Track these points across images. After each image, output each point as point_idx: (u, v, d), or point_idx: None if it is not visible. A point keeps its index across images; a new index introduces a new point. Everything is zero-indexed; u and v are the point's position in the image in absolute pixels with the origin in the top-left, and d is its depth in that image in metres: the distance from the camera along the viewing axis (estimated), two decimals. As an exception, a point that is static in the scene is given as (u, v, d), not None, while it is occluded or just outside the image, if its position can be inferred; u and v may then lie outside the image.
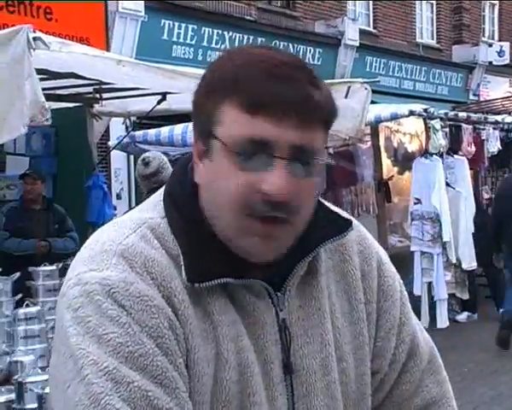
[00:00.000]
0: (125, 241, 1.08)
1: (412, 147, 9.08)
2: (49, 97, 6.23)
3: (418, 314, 8.02)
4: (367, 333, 1.22)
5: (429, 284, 8.10)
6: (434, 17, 18.23)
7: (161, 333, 1.03)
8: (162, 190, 1.17)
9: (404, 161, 8.93)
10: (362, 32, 15.23)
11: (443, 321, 7.95)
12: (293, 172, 1.06)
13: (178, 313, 1.05)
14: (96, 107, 7.07)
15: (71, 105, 7.08)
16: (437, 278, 7.98)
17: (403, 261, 8.56)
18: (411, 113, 8.03)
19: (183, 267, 1.07)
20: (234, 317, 1.10)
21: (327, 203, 1.26)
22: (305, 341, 1.15)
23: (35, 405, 4.68)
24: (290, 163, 1.05)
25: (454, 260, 8.02)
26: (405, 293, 1.31)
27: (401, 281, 1.32)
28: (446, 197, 7.94)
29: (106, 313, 1.03)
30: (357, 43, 14.99)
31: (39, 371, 5.06)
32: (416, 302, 8.06)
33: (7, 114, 3.92)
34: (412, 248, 8.11)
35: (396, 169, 9.12)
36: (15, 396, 4.93)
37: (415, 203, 8.11)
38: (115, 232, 1.11)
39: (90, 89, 6.51)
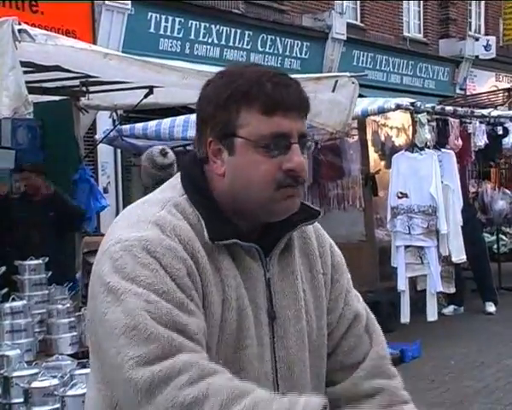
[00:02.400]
0: (157, 214, 1.42)
1: (399, 141, 9.09)
2: (35, 90, 6.21)
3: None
4: (324, 296, 1.60)
5: (410, 278, 8.10)
6: (421, 11, 18.26)
7: (181, 276, 1.36)
8: (177, 176, 1.53)
9: (391, 154, 8.93)
10: (349, 26, 15.23)
11: (433, 314, 7.97)
12: (301, 151, 1.46)
13: (200, 266, 1.40)
14: (83, 100, 7.03)
15: (57, 98, 7.04)
16: (433, 271, 7.98)
17: (389, 255, 8.60)
18: (398, 106, 8.03)
19: (205, 230, 1.42)
20: (235, 272, 1.45)
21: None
22: (283, 296, 1.52)
23: (21, 399, 4.66)
24: (300, 145, 1.46)
25: (447, 253, 8.03)
26: (347, 270, 1.71)
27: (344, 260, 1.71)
28: (441, 190, 7.95)
29: (140, 261, 1.35)
30: (345, 37, 14.99)
31: (25, 365, 5.03)
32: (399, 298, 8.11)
33: None
34: (397, 243, 8.08)
35: (383, 163, 9.13)
36: (1, 391, 4.91)
37: (399, 197, 8.09)
38: (147, 209, 1.45)
39: (77, 82, 6.48)
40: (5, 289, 6.01)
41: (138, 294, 1.32)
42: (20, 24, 3.75)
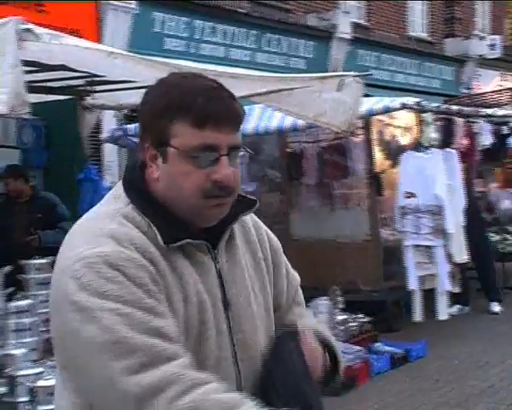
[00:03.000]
0: (110, 227, 1.48)
1: (404, 140, 9.07)
2: (40, 90, 6.23)
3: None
4: (267, 280, 1.73)
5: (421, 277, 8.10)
6: (427, 10, 18.23)
7: (146, 283, 1.43)
8: (119, 185, 1.60)
9: (397, 154, 8.92)
10: (354, 25, 15.22)
11: (444, 313, 7.97)
12: (231, 162, 1.54)
13: (159, 270, 1.47)
14: (88, 99, 7.04)
15: (62, 98, 7.05)
16: (441, 270, 7.98)
17: (394, 254, 8.58)
18: (404, 106, 8.01)
19: (158, 235, 1.49)
20: (190, 269, 1.54)
21: None
22: (234, 284, 1.62)
23: (26, 398, 4.68)
24: (228, 158, 1.53)
25: (454, 253, 8.02)
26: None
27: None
28: (446, 189, 7.94)
29: (104, 276, 1.39)
30: (350, 36, 14.98)
31: (30, 364, 5.05)
32: (410, 296, 8.09)
33: None
34: (406, 243, 8.08)
35: (388, 163, 9.11)
36: (7, 390, 4.93)
37: (407, 197, 8.09)
38: (99, 222, 1.51)
39: (82, 81, 6.49)
40: (10, 289, 6.02)
41: (110, 309, 1.37)
42: (25, 23, 3.76)
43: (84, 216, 1.59)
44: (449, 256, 8.06)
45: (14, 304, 5.73)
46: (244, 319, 1.62)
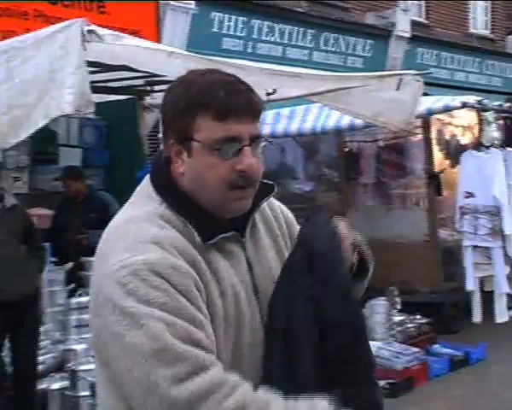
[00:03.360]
0: (151, 231, 1.51)
1: (465, 140, 8.93)
2: (101, 90, 6.35)
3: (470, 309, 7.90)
4: (285, 255, 1.75)
5: (479, 278, 7.96)
6: (489, 7, 17.87)
7: (190, 290, 1.46)
8: (147, 183, 1.65)
9: (457, 153, 8.78)
10: (413, 23, 15.02)
11: (502, 315, 7.81)
12: (253, 152, 1.58)
13: (200, 271, 1.51)
14: (147, 99, 7.15)
15: (123, 97, 7.17)
16: (498, 272, 7.83)
17: (453, 255, 8.45)
18: (464, 105, 7.88)
19: (195, 234, 1.54)
20: (224, 263, 1.58)
21: None
22: (260, 268, 1.67)
23: (87, 392, 4.78)
24: (251, 147, 1.57)
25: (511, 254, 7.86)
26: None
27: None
28: (506, 190, 7.78)
29: (150, 283, 1.43)
30: (409, 35, 14.79)
31: (91, 359, 5.15)
32: (469, 297, 7.95)
33: (32, 110, 4.00)
34: (465, 243, 7.96)
35: (448, 162, 8.97)
36: (69, 384, 5.04)
37: (466, 197, 7.96)
38: (139, 226, 1.53)
39: (142, 81, 6.58)
40: (72, 285, 6.16)
41: (156, 317, 1.40)
42: (89, 25, 3.84)
43: (119, 217, 1.62)
44: (507, 258, 7.89)
45: (75, 300, 5.86)
46: (270, 300, 1.67)
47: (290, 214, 1.89)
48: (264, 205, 1.77)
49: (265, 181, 1.73)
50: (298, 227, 1.85)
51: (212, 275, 1.54)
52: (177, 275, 1.46)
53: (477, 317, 7.82)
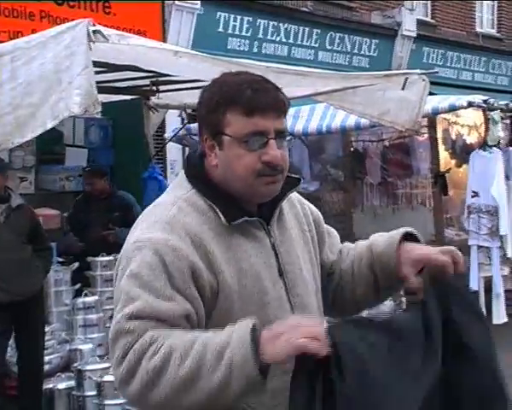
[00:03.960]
0: (169, 213, 1.72)
1: (471, 139, 8.90)
2: (106, 90, 6.35)
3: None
4: (312, 249, 1.96)
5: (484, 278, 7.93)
6: (495, 6, 17.82)
7: (177, 272, 1.63)
8: (182, 174, 1.84)
9: (463, 153, 8.75)
10: (419, 23, 14.99)
11: (500, 316, 7.77)
12: (278, 145, 1.75)
13: (206, 252, 1.68)
14: (153, 99, 7.15)
15: (128, 97, 7.17)
16: (494, 272, 7.80)
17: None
18: (470, 104, 7.85)
19: (221, 216, 1.72)
20: (246, 245, 1.75)
21: None
22: (287, 255, 1.84)
23: (94, 392, 4.78)
24: (276, 141, 1.74)
25: (510, 255, 7.83)
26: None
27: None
28: (505, 190, 7.76)
29: (145, 259, 1.64)
30: (415, 34, 14.77)
31: (98, 359, 5.16)
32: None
33: (37, 111, 4.00)
34: (470, 243, 7.94)
35: (454, 162, 8.95)
36: (75, 383, 5.05)
37: (472, 196, 7.94)
38: (162, 209, 1.75)
39: (147, 81, 6.59)
40: (78, 285, 6.17)
41: (132, 296, 1.63)
42: (94, 25, 3.85)
43: (153, 203, 1.83)
44: (506, 259, 7.85)
45: (81, 300, 5.87)
46: (299, 284, 1.83)
47: (318, 213, 2.06)
48: (295, 201, 1.97)
49: (291, 175, 1.89)
50: (325, 226, 2.06)
51: (230, 254, 1.72)
52: (173, 256, 1.64)
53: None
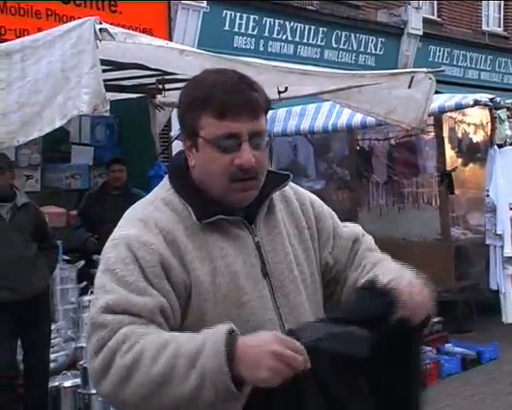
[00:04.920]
0: (145, 211, 1.73)
1: (477, 138, 8.88)
2: (113, 88, 6.35)
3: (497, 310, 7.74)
4: (312, 247, 1.89)
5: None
6: (502, 4, 17.77)
7: (149, 266, 1.63)
8: (165, 176, 1.82)
9: (469, 152, 8.74)
10: (425, 21, 14.96)
11: (507, 315, 7.72)
12: (252, 146, 1.69)
13: (179, 250, 1.67)
14: (159, 97, 7.15)
15: (134, 96, 7.18)
16: (497, 271, 7.75)
17: (465, 254, 8.41)
18: (476, 102, 7.82)
19: (192, 213, 1.70)
20: (222, 244, 1.71)
21: (270, 168, 1.86)
22: (274, 254, 1.79)
23: (99, 390, 4.78)
24: (250, 143, 1.69)
25: (509, 254, 7.77)
26: (333, 212, 2.01)
27: (329, 208, 2.02)
28: (502, 188, 7.71)
29: (119, 255, 1.65)
30: (421, 32, 14.74)
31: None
32: (483, 296, 7.88)
33: (43, 109, 4.00)
34: (487, 242, 7.86)
35: (460, 160, 8.93)
36: (81, 381, 5.06)
37: (486, 195, 7.90)
38: (139, 208, 1.77)
39: (153, 80, 6.59)
40: (84, 283, 6.18)
41: (107, 290, 1.62)
42: (100, 23, 3.85)
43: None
44: (502, 257, 7.81)
45: (87, 298, 5.88)
46: (286, 284, 1.78)
47: (321, 208, 1.98)
48: (292, 198, 1.91)
49: (281, 172, 1.88)
50: (330, 217, 1.98)
51: (204, 253, 1.69)
52: (144, 250, 1.64)
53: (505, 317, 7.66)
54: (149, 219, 1.70)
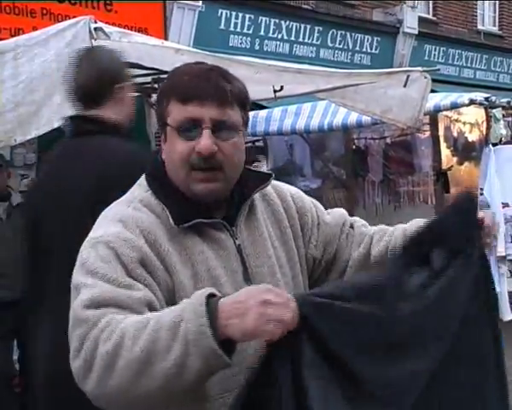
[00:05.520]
0: (123, 212, 1.64)
1: (472, 137, 8.89)
2: (108, 87, 6.34)
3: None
4: (295, 246, 1.84)
5: None
6: (497, 3, 17.80)
7: (132, 263, 1.53)
8: (143, 175, 1.74)
9: (464, 151, 8.76)
10: (421, 20, 14.98)
11: (505, 313, 7.73)
12: (217, 136, 1.62)
13: (162, 252, 1.58)
14: (154, 97, 7.14)
15: (130, 95, 7.16)
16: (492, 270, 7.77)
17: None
18: (472, 101, 7.83)
19: (169, 217, 1.62)
20: (201, 248, 1.64)
21: (252, 168, 1.85)
22: (255, 257, 1.72)
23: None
24: (214, 131, 1.62)
25: (503, 253, 7.78)
26: (315, 201, 1.97)
27: (311, 198, 1.96)
28: (496, 187, 7.72)
29: (99, 253, 1.54)
30: (416, 31, 14.76)
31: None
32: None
33: (40, 108, 4.00)
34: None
35: (455, 159, 8.95)
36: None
37: (480, 194, 7.90)
38: (117, 208, 1.67)
39: (149, 79, 6.58)
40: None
41: (89, 285, 1.50)
42: (95, 22, 3.85)
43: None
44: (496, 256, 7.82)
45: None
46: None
47: (301, 197, 1.92)
48: (273, 196, 1.85)
49: (262, 171, 1.85)
50: (312, 207, 1.92)
51: (185, 257, 1.62)
52: (125, 247, 1.54)
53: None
54: (129, 219, 1.61)
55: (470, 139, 8.90)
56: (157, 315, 1.43)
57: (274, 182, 1.87)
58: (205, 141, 1.61)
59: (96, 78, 2.65)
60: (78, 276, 1.55)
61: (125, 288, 1.50)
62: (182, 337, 1.36)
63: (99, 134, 2.61)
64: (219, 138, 1.63)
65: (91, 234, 1.62)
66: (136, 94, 7.12)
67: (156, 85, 6.81)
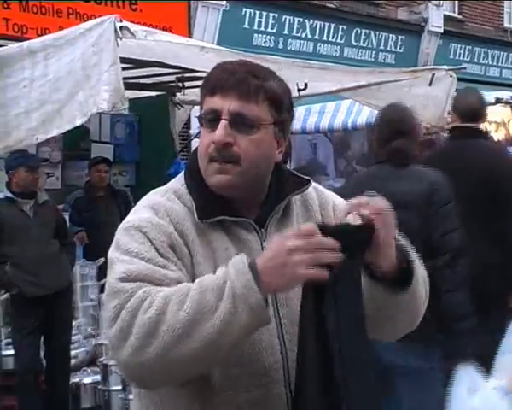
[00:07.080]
0: (156, 200, 1.69)
1: (498, 136, 8.80)
2: (133, 86, 6.38)
3: None
4: None
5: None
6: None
7: (164, 247, 1.58)
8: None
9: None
10: (446, 18, 14.87)
11: None
12: (235, 129, 1.61)
13: (189, 241, 1.62)
14: (179, 95, 7.16)
15: (154, 94, 7.20)
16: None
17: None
18: (498, 100, 7.78)
19: (194, 211, 1.64)
20: (227, 245, 1.64)
21: (292, 170, 1.83)
22: None
23: (119, 387, 4.81)
24: (232, 123, 1.61)
25: None
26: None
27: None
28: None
29: (132, 237, 1.60)
30: (442, 30, 14.65)
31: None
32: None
33: (63, 107, 4.03)
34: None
35: (481, 158, 8.86)
36: (101, 378, 5.08)
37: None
38: (152, 197, 1.72)
39: (173, 78, 6.61)
40: (104, 280, 6.20)
41: (125, 260, 1.56)
42: (121, 21, 3.87)
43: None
44: None
45: (107, 295, 5.89)
46: (291, 295, 1.62)
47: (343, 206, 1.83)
48: (314, 201, 1.80)
49: (300, 175, 1.79)
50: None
51: (209, 251, 1.64)
52: (156, 231, 1.60)
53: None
54: (161, 207, 1.65)
55: (496, 138, 8.80)
56: (198, 281, 1.50)
57: (320, 188, 1.86)
58: (219, 131, 1.61)
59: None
60: (113, 254, 1.61)
61: (160, 267, 1.55)
62: (229, 295, 1.44)
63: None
64: (237, 131, 1.62)
65: (126, 219, 1.68)
66: (161, 93, 7.18)
67: (180, 84, 6.85)
